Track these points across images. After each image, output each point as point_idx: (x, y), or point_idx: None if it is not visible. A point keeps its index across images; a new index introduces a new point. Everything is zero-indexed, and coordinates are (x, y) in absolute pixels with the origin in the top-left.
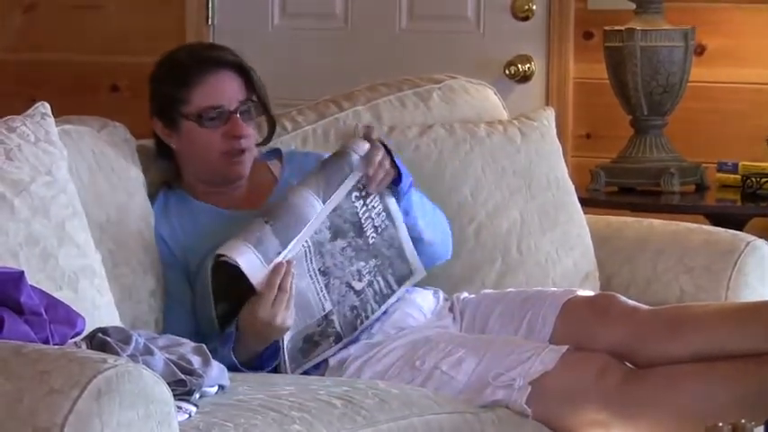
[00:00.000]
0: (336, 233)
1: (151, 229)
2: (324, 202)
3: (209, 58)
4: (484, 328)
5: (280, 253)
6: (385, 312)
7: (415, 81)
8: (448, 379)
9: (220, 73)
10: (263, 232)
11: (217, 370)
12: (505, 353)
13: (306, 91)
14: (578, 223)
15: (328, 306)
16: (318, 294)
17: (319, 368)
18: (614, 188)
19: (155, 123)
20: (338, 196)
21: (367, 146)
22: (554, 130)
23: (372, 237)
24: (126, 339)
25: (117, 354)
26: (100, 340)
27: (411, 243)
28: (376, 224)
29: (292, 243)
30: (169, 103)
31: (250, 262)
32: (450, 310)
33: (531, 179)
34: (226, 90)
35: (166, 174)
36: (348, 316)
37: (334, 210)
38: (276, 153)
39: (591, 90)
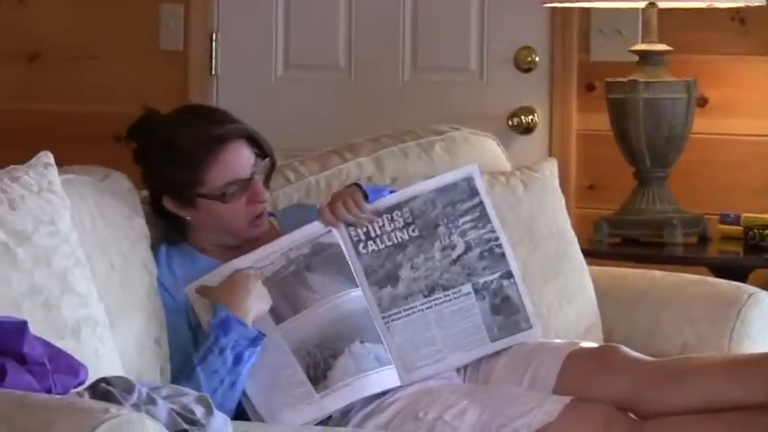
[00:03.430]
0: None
1: (154, 277)
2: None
3: (215, 137)
4: (488, 378)
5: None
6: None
7: (417, 132)
8: (451, 430)
9: (228, 147)
10: None
11: (219, 420)
12: (509, 403)
13: (309, 142)
14: (581, 274)
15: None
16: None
17: (321, 420)
18: (617, 239)
19: (165, 201)
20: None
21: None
22: (557, 181)
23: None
24: (129, 389)
25: (120, 403)
26: (102, 390)
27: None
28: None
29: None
30: (182, 186)
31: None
32: None
33: (534, 230)
34: (240, 163)
35: (168, 230)
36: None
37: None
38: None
39: (594, 141)
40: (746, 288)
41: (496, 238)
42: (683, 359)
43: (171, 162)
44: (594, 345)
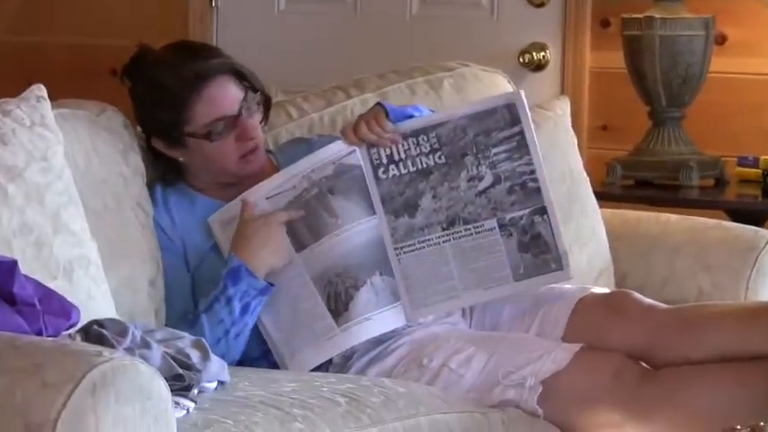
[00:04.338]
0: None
1: (150, 216)
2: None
3: (197, 74)
4: (494, 325)
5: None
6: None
7: (425, 69)
8: (456, 377)
9: (213, 83)
10: None
11: (216, 365)
12: (516, 351)
13: (312, 77)
14: (593, 217)
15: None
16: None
17: (322, 366)
18: (631, 181)
19: (155, 142)
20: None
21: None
22: (569, 121)
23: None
24: (122, 332)
25: (113, 347)
26: (95, 333)
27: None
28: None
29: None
30: (168, 126)
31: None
32: None
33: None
34: (225, 98)
35: (163, 171)
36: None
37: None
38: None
39: (607, 80)
40: (765, 233)
41: (532, 172)
42: (699, 306)
43: (156, 102)
44: (606, 290)
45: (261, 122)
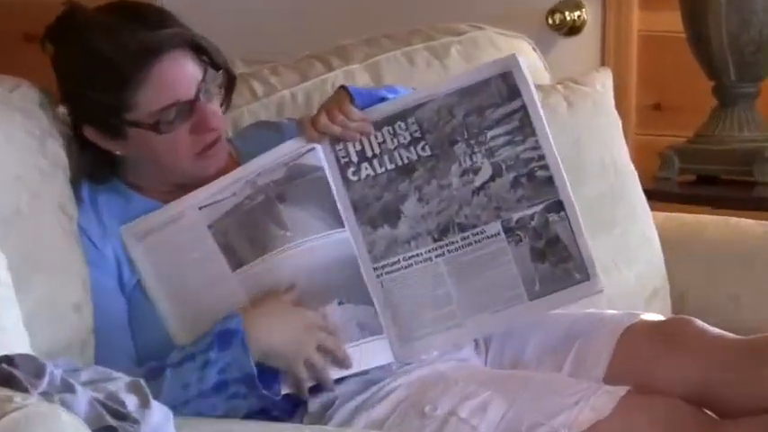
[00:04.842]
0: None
1: (74, 222)
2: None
3: (147, 47)
4: (516, 361)
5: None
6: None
7: (427, 32)
8: (468, 429)
9: (164, 59)
10: None
11: (158, 414)
12: (545, 395)
13: (284, 44)
14: (643, 222)
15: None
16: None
17: (295, 414)
18: (691, 176)
19: (86, 130)
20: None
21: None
22: (611, 99)
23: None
24: (38, 371)
25: (26, 391)
26: (4, 372)
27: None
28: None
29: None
30: (105, 111)
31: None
32: None
33: (580, 164)
34: (180, 80)
35: (93, 164)
36: None
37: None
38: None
39: (661, 46)
40: None
41: (540, 157)
42: None
43: (90, 79)
44: (660, 317)
45: (222, 107)
